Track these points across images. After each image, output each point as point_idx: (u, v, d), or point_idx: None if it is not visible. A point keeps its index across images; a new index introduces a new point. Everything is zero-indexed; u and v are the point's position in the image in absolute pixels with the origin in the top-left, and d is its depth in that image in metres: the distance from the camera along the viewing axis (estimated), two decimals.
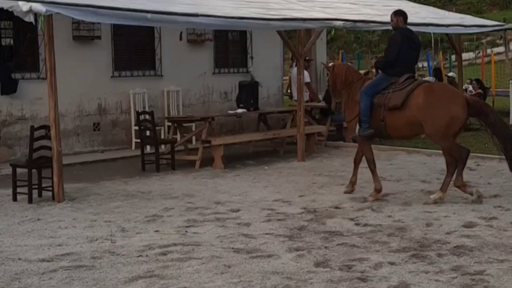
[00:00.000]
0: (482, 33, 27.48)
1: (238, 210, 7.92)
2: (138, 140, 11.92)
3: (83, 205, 8.36)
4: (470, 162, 11.01)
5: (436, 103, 7.99)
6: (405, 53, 8.36)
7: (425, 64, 27.71)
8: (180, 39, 14.04)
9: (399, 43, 8.35)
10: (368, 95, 8.36)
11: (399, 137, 9.13)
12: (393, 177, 9.98)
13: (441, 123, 7.96)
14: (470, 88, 17.47)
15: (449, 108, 7.96)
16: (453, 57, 20.93)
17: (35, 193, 8.60)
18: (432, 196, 8.14)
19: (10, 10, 8.33)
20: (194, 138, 13.20)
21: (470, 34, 26.27)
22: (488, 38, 39.98)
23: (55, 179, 8.49)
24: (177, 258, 5.96)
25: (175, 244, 6.44)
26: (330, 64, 9.34)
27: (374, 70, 9.15)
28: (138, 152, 11.57)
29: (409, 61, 8.51)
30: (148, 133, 11.58)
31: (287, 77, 17.76)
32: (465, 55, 26.82)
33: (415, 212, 7.62)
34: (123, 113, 13.44)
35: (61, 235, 6.86)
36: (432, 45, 31.23)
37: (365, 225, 7.11)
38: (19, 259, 5.99)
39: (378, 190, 8.44)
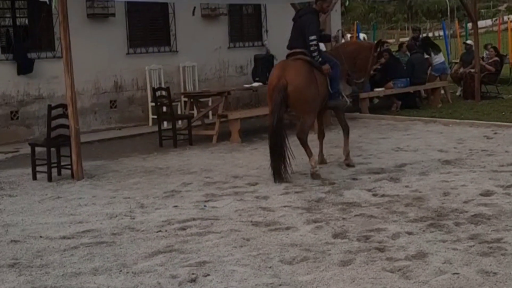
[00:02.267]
0: None
1: (256, 184, 7.95)
2: (155, 116, 11.96)
3: (102, 182, 8.44)
4: (487, 131, 10.99)
5: None
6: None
7: (441, 33, 27.41)
8: (193, 14, 14.00)
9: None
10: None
11: None
12: (410, 147, 9.95)
13: None
14: (486, 54, 17.28)
15: None
16: (469, 25, 20.68)
17: (54, 171, 8.69)
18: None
19: None
20: (210, 113, 13.22)
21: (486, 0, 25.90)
22: (505, 5, 39.41)
23: (74, 157, 8.57)
24: (196, 233, 6.02)
25: (194, 219, 6.49)
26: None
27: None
28: (155, 128, 11.63)
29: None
30: (164, 109, 11.62)
31: None
32: (481, 23, 26.50)
33: (433, 182, 7.61)
34: (139, 90, 13.48)
35: (81, 212, 6.95)
36: (448, 13, 30.84)
37: (383, 195, 7.12)
38: (41, 236, 6.08)
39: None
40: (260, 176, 8.36)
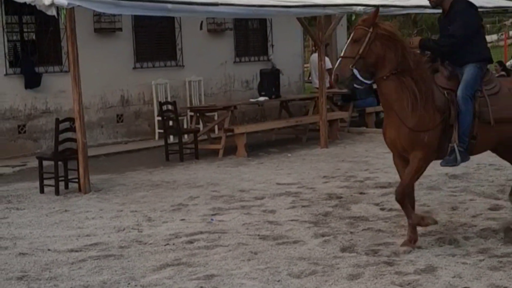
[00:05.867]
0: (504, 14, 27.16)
1: (262, 198, 7.95)
2: (161, 131, 11.98)
3: (109, 195, 8.44)
4: None
5: None
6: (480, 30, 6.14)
7: None
8: (201, 28, 14.06)
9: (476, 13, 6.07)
10: (471, 98, 5.75)
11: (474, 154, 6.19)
12: None
13: None
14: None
15: None
16: None
17: (61, 185, 8.70)
18: None
19: (32, 4, 8.41)
20: (216, 127, 13.23)
21: (492, 15, 25.97)
22: (511, 20, 39.50)
23: (81, 170, 8.58)
24: (203, 246, 6.01)
25: (201, 232, 6.49)
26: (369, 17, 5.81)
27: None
28: (162, 143, 11.64)
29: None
30: (171, 123, 11.64)
31: (307, 65, 17.72)
32: (487, 38, 26.54)
33: (440, 196, 7.60)
34: (145, 104, 13.52)
35: (89, 226, 6.95)
36: None
37: (390, 209, 7.11)
38: (49, 249, 6.08)
39: None
40: (267, 190, 8.36)
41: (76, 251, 6.02)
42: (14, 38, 12.31)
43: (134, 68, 13.38)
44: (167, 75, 13.67)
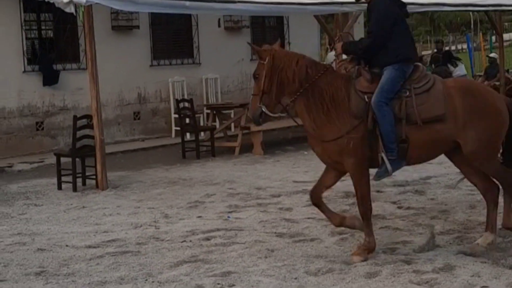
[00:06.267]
0: None
1: (279, 195, 7.94)
2: (178, 128, 12.02)
3: (126, 192, 8.47)
4: None
5: (479, 105, 5.50)
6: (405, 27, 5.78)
7: (465, 46, 27.27)
8: (219, 25, 14.09)
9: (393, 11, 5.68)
10: (388, 104, 5.43)
11: (419, 160, 5.98)
12: (434, 160, 9.83)
13: (486, 134, 5.48)
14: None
15: (498, 110, 5.55)
16: (494, 38, 20.57)
17: (79, 181, 8.75)
18: (479, 241, 5.60)
19: (50, 1, 8.45)
20: (233, 124, 13.24)
21: None
22: None
23: (99, 167, 8.62)
24: (220, 243, 6.01)
25: (218, 229, 6.49)
26: (265, 48, 5.77)
27: (342, 57, 6.15)
28: (178, 140, 11.67)
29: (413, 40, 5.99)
30: (187, 120, 11.66)
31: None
32: (505, 36, 26.32)
33: (458, 195, 7.55)
34: (162, 102, 13.55)
35: (106, 222, 6.98)
36: (472, 26, 30.69)
37: (408, 208, 7.07)
38: (67, 245, 6.11)
39: None
40: (283, 188, 8.35)
41: (94, 247, 6.05)
42: (32, 35, 12.38)
43: (151, 65, 13.42)
44: (184, 73, 13.70)
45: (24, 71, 11.85)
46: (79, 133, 8.83)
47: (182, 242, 6.11)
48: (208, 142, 11.43)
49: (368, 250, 5.43)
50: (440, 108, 5.40)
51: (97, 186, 8.63)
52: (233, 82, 14.64)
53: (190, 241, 6.13)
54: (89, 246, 6.08)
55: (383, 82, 5.44)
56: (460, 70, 16.22)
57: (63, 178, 8.81)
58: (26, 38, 12.10)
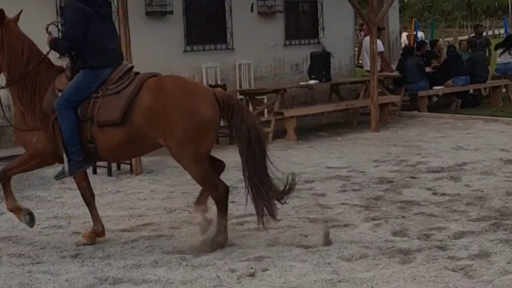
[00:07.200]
0: None
1: (312, 181, 7.91)
2: None
3: (160, 177, 8.53)
4: None
5: (172, 105, 5.37)
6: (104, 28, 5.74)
7: (502, 31, 26.76)
8: (251, 10, 14.05)
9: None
10: (70, 107, 5.48)
11: (117, 159, 6.66)
12: (470, 146, 9.74)
13: (185, 135, 5.38)
14: None
15: (195, 110, 5.39)
16: None
17: (114, 166, 8.82)
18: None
19: None
20: (266, 110, 13.22)
21: None
22: None
23: None
24: (253, 228, 6.02)
25: (251, 214, 6.47)
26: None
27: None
28: None
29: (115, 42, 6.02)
30: None
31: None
32: None
33: (494, 181, 7.44)
34: None
35: (141, 206, 7.04)
36: (510, 10, 30.11)
37: (443, 194, 7.00)
38: None
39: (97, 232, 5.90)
40: (317, 174, 8.32)
41: (128, 231, 6.11)
42: None
43: (185, 51, 13.44)
44: (217, 58, 13.69)
45: None
46: None
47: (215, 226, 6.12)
48: None
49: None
50: (112, 112, 5.42)
51: (131, 171, 8.70)
52: (266, 67, 14.60)
53: None
54: (124, 230, 6.14)
55: (68, 85, 5.55)
56: (504, 58, 15.69)
57: (98, 163, 8.87)
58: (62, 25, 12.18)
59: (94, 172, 8.84)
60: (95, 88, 5.52)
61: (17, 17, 5.79)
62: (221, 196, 5.53)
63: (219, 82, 12.96)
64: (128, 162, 8.78)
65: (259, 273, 4.85)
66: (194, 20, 13.61)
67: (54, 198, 7.58)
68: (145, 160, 9.19)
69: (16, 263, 5.27)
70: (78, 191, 7.70)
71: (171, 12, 12.99)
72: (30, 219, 5.73)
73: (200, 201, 5.81)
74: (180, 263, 5.11)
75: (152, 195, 7.55)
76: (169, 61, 13.09)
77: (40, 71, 5.64)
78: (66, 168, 5.53)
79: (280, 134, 11.29)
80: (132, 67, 5.87)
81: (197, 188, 7.68)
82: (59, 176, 5.72)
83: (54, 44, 5.69)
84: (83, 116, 5.45)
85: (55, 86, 5.58)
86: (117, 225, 6.29)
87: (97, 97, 5.50)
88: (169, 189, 7.82)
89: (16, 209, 5.72)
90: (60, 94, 5.50)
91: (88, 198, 5.89)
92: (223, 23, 13.99)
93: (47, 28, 5.77)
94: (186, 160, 5.50)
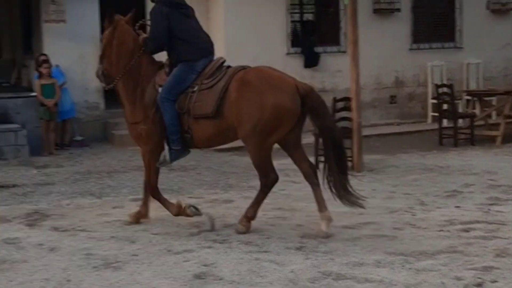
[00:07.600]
0: None
1: None
2: (435, 114, 11.71)
3: (381, 176, 8.47)
4: None
5: (254, 97, 5.75)
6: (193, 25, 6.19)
7: None
8: (487, 8, 13.50)
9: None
10: (170, 99, 5.99)
11: (206, 147, 6.75)
12: None
13: (258, 123, 5.72)
14: None
15: (275, 102, 5.71)
16: None
17: None
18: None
19: None
20: (495, 112, 12.57)
21: None
22: None
23: (355, 149, 8.73)
24: (480, 236, 5.76)
25: (477, 221, 6.22)
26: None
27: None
28: (435, 126, 11.39)
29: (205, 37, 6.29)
30: (445, 106, 11.32)
31: None
32: None
33: None
34: (420, 86, 13.29)
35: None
36: None
37: None
38: None
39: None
40: None
41: (350, 228, 6.15)
42: (295, 18, 12.86)
43: (411, 49, 13.22)
44: (444, 57, 13.29)
45: (288, 53, 12.36)
46: (337, 115, 8.99)
47: (439, 231, 5.95)
48: (467, 130, 10.99)
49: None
50: (207, 107, 5.87)
51: (353, 168, 8.73)
52: (497, 67, 13.87)
53: (448, 231, 5.95)
54: (346, 227, 6.18)
55: (168, 79, 6.03)
56: None
57: (320, 158, 9.02)
58: (290, 21, 12.60)
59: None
60: (192, 80, 5.99)
61: (130, 17, 6.37)
62: (268, 183, 5.95)
63: (445, 82, 12.56)
64: (350, 159, 8.82)
65: (487, 284, 4.62)
66: (422, 18, 13.35)
67: (278, 190, 7.78)
68: (366, 158, 9.19)
69: (245, 250, 5.52)
70: (300, 185, 7.95)
71: (399, 10, 12.85)
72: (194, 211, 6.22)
73: (320, 209, 6.00)
74: (403, 266, 5.03)
75: (373, 194, 7.51)
76: (394, 59, 12.99)
77: (142, 66, 6.21)
78: (168, 157, 6.08)
79: (510, 138, 10.70)
80: (224, 61, 6.21)
81: (419, 190, 7.57)
82: (161, 164, 6.22)
83: (144, 43, 6.24)
84: (181, 109, 5.96)
85: (156, 82, 6.12)
86: (339, 221, 6.32)
87: (193, 91, 5.97)
88: (391, 189, 7.74)
89: (182, 213, 6.25)
90: (160, 89, 6.03)
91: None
92: (451, 21, 13.54)
93: (136, 27, 6.36)
94: (252, 145, 5.87)
